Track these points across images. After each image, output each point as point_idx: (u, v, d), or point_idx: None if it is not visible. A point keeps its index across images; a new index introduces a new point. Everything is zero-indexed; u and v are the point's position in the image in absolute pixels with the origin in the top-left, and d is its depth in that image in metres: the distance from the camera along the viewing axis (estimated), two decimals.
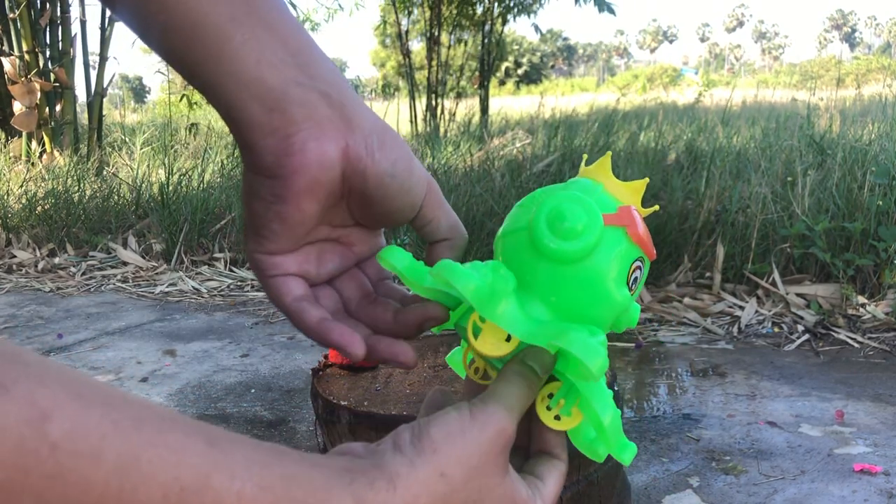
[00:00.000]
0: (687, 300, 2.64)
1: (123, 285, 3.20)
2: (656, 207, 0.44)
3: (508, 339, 0.39)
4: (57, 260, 3.55)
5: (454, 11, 8.04)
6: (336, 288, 0.46)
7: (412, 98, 7.76)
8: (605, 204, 0.40)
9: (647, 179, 0.42)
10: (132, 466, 0.25)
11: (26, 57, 5.05)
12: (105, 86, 5.44)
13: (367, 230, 0.46)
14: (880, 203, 2.64)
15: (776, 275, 2.64)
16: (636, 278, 0.40)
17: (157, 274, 3.34)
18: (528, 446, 0.42)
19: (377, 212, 0.43)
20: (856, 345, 2.24)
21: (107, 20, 5.32)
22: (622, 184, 0.41)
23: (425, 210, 0.43)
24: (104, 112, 5.84)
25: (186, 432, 0.28)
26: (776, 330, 2.42)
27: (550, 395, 0.40)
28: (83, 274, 3.36)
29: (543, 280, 0.39)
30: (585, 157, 0.45)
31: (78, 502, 0.24)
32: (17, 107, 5.08)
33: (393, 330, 0.44)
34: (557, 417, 0.40)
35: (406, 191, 0.42)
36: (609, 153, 0.41)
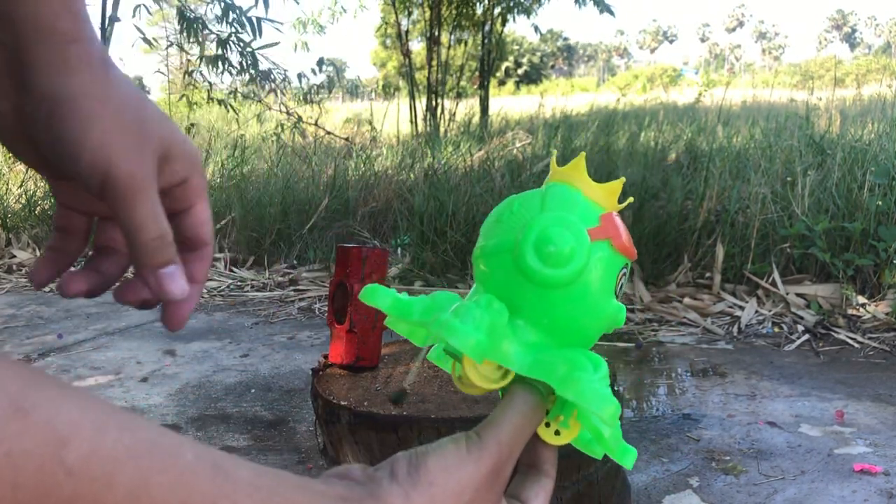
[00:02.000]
0: (687, 300, 2.64)
1: None
2: (631, 199, 0.43)
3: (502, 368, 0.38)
4: None
5: (454, 11, 8.03)
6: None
7: (412, 98, 7.75)
8: (588, 215, 0.39)
9: (623, 179, 0.41)
10: (142, 492, 0.27)
11: None
12: None
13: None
14: (880, 203, 2.64)
15: (776, 275, 2.64)
16: (622, 284, 0.40)
17: None
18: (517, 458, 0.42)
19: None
20: (856, 345, 2.24)
21: (107, 20, 5.32)
22: (599, 186, 0.40)
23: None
24: None
25: (197, 455, 0.29)
26: (776, 330, 2.42)
27: (546, 411, 0.40)
28: None
29: (532, 303, 0.38)
30: (555, 153, 0.44)
31: None
32: None
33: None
34: (557, 433, 0.40)
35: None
36: (583, 154, 0.40)
